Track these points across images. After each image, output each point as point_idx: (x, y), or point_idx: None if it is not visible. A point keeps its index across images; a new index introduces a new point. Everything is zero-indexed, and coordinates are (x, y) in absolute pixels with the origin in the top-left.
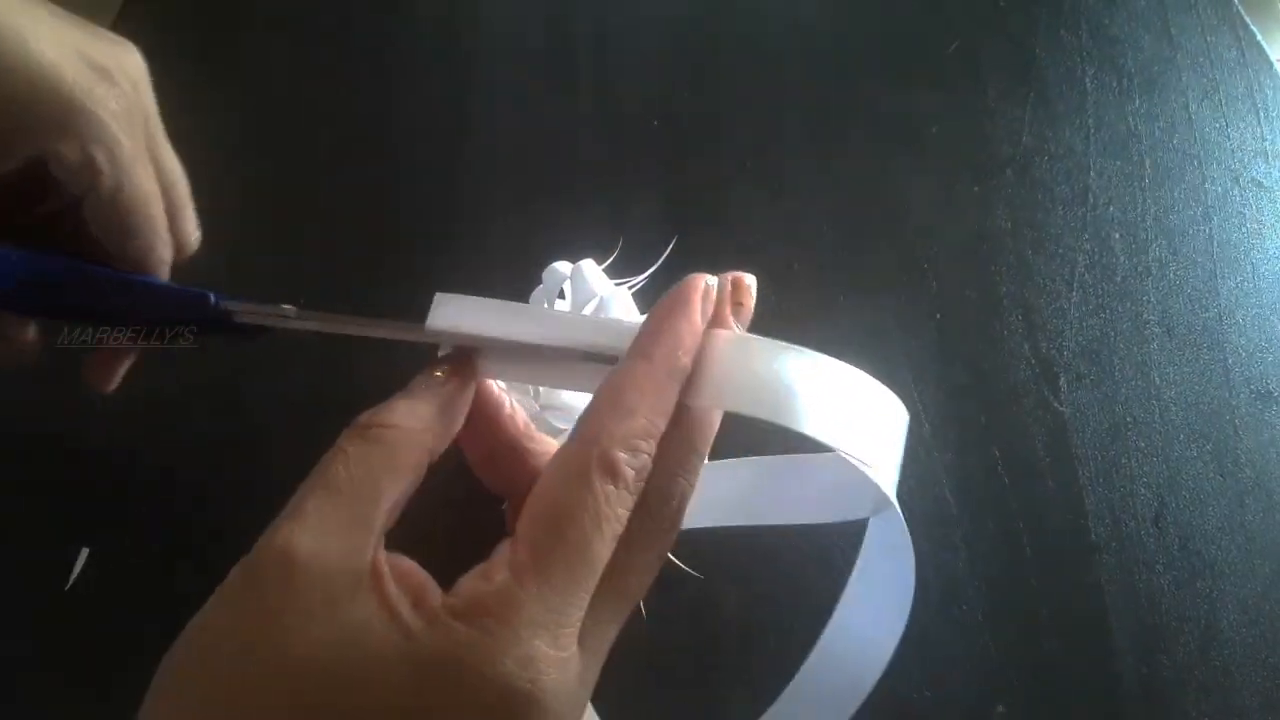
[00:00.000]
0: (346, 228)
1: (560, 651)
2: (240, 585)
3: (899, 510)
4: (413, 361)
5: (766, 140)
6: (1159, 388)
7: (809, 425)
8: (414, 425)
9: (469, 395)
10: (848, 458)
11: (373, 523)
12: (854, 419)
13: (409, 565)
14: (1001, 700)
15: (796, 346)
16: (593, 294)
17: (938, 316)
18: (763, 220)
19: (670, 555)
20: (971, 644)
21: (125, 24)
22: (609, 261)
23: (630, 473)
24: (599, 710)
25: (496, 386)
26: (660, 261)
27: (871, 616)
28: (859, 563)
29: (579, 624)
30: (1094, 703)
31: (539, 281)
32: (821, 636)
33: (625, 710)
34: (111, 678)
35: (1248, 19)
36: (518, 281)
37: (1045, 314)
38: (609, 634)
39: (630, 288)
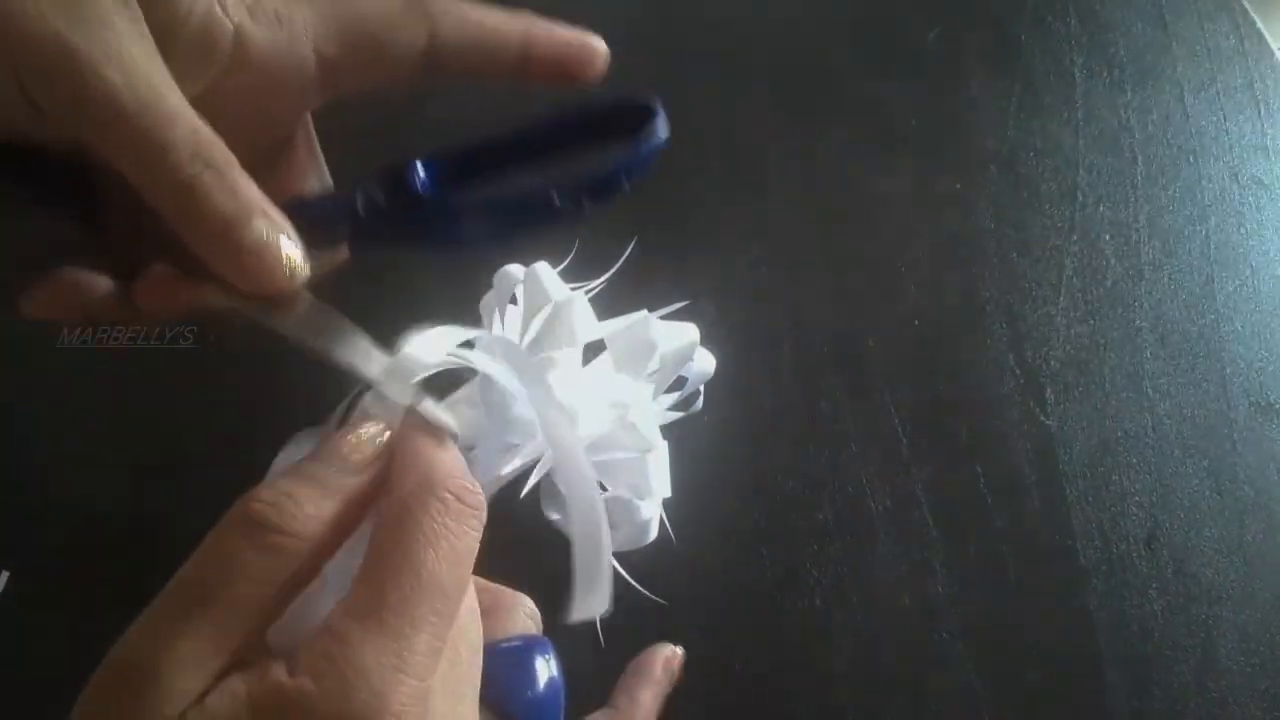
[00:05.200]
0: None
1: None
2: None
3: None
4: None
5: (733, 133)
6: (1152, 400)
7: None
8: (318, 533)
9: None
10: None
11: (239, 639)
12: None
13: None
14: None
15: None
16: (548, 299)
17: (915, 323)
18: (728, 219)
19: (632, 581)
20: (952, 675)
21: None
22: (565, 264)
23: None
24: None
25: None
26: (620, 263)
27: None
28: None
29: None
30: None
31: (489, 286)
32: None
33: None
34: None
35: (1247, 6)
36: (464, 286)
37: (1031, 321)
38: None
39: (588, 292)
